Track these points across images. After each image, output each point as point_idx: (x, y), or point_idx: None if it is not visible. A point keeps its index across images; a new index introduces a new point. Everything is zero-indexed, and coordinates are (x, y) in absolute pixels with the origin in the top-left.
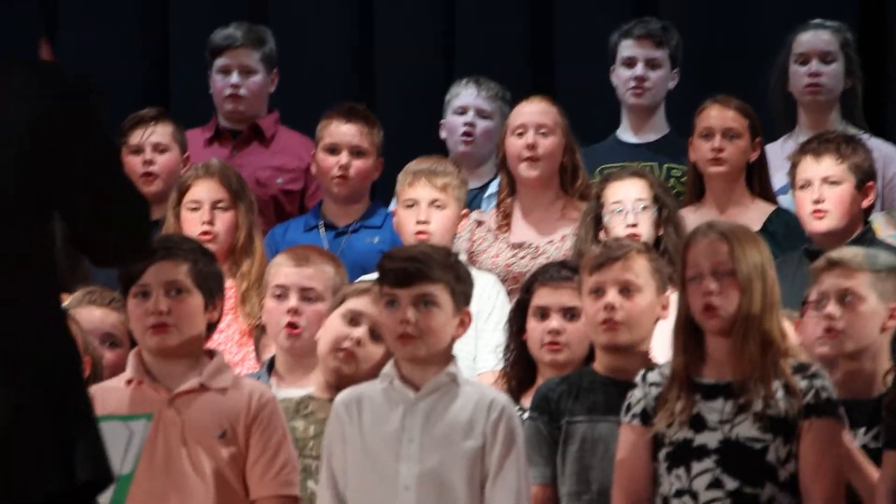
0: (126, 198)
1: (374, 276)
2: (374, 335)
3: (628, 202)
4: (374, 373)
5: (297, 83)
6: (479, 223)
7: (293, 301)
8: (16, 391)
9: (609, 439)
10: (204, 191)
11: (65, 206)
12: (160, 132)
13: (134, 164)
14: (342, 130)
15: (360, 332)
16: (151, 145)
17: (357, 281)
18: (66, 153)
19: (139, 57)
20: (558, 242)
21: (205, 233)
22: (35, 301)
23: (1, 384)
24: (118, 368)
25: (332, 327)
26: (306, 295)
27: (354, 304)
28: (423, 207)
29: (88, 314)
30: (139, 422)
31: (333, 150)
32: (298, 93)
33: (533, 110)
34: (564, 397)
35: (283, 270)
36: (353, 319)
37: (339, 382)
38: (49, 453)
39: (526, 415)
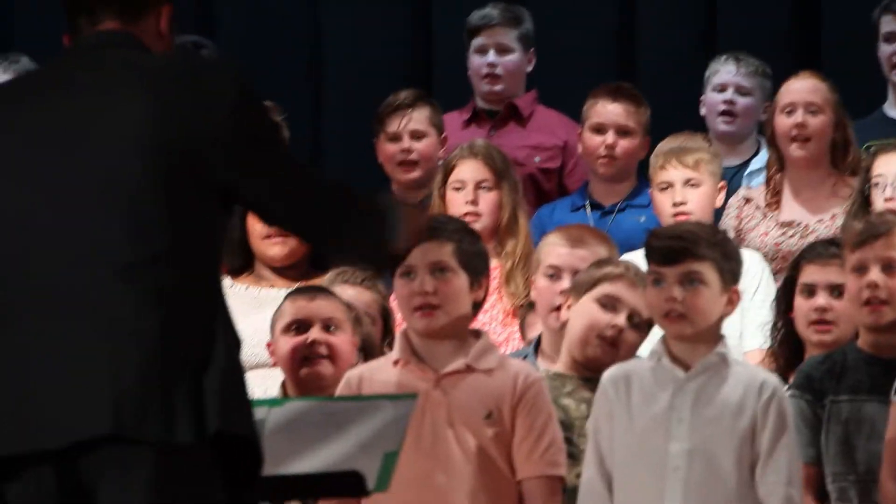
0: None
1: (634, 254)
2: (633, 322)
3: (890, 175)
4: (628, 358)
5: (556, 62)
6: (748, 200)
7: (566, 283)
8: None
9: (875, 419)
10: (468, 171)
11: (243, 190)
12: (417, 118)
13: (392, 151)
14: (608, 110)
15: (621, 319)
16: (409, 133)
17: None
18: (226, 131)
19: (403, 39)
20: (828, 221)
21: (469, 213)
22: (192, 276)
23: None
24: None
25: (588, 312)
26: None
27: (611, 288)
28: (678, 188)
29: (341, 293)
30: (404, 401)
31: (600, 129)
32: (558, 72)
33: (802, 88)
34: (827, 376)
35: (556, 250)
36: (612, 306)
37: (592, 366)
38: (181, 404)
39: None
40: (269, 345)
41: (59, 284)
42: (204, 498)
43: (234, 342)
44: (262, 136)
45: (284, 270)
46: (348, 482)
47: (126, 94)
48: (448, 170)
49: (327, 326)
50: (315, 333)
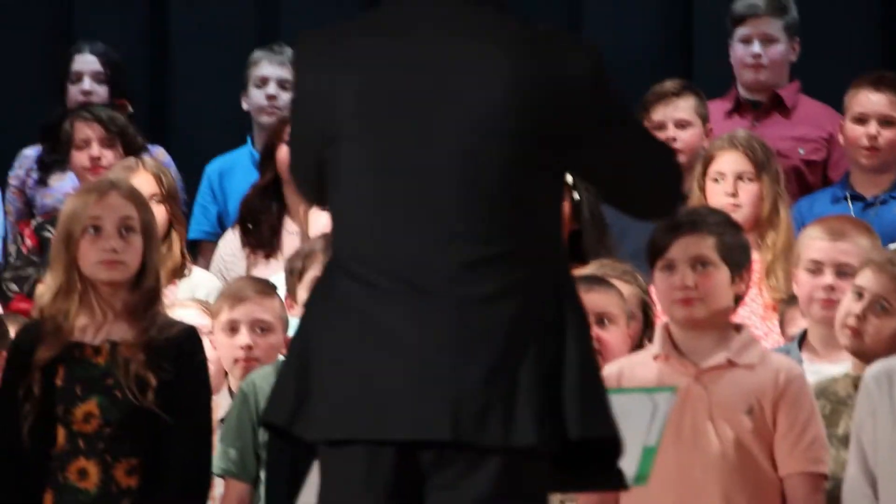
0: (647, 152)
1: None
2: (882, 307)
3: None
4: (890, 344)
5: (820, 52)
6: None
7: (829, 277)
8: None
9: None
10: (728, 162)
11: (582, 165)
12: (682, 107)
13: None
14: (871, 100)
15: (859, 308)
16: (674, 121)
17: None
18: (583, 114)
19: (663, 26)
20: None
21: (729, 205)
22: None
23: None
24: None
25: (843, 302)
26: (841, 270)
27: (859, 279)
28: None
29: None
30: (663, 394)
31: (862, 120)
32: (822, 62)
33: None
34: None
35: (817, 244)
36: (859, 294)
37: (861, 358)
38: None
39: None
40: None
41: (412, 270)
42: (537, 499)
43: (585, 332)
44: (617, 117)
45: None
46: (608, 477)
47: (489, 69)
48: (708, 161)
49: (601, 320)
50: None
